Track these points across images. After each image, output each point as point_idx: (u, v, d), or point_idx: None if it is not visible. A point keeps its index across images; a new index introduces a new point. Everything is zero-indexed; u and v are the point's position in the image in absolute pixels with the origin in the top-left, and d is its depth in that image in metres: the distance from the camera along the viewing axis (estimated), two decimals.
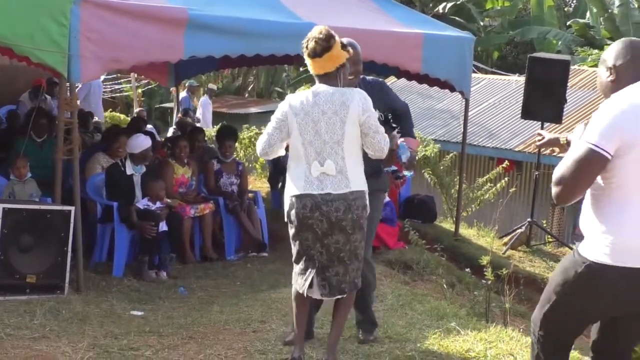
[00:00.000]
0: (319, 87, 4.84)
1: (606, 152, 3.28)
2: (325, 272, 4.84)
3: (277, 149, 4.99)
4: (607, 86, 3.56)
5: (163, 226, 8.26)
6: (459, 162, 11.29)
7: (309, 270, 4.87)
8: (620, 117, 3.28)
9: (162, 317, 6.42)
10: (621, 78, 3.49)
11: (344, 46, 4.82)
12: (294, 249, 4.96)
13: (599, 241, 3.43)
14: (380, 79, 5.98)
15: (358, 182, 4.82)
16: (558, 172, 3.44)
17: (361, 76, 5.49)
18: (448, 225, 11.71)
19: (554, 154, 4.23)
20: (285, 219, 4.95)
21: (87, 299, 6.85)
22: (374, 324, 5.74)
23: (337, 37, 4.78)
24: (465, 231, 11.66)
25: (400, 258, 9.01)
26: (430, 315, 6.46)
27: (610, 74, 3.53)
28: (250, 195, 10.02)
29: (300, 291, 4.94)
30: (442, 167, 12.82)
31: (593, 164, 3.32)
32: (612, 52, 3.56)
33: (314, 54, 4.75)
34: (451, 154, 13.50)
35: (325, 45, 4.71)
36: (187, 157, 9.51)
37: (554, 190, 3.45)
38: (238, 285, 8.00)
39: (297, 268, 4.97)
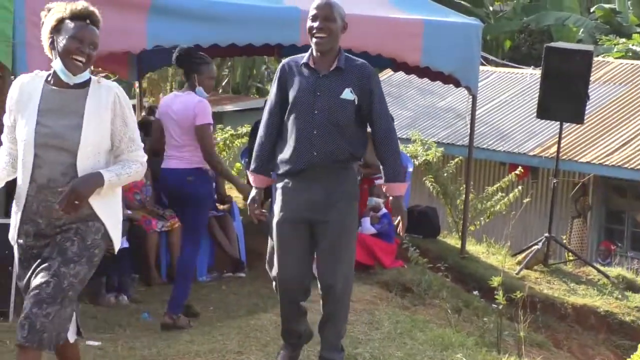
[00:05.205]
0: None
1: None
2: None
3: None
4: None
5: (124, 242, 8.20)
6: (466, 168, 11.30)
7: None
8: None
9: (122, 347, 6.38)
10: None
11: None
12: None
13: None
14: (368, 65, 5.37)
15: None
16: None
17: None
18: (453, 240, 11.73)
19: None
20: None
21: None
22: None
23: None
24: (473, 248, 11.67)
25: (399, 279, 9.00)
26: (433, 345, 6.46)
27: None
28: (225, 206, 9.98)
29: None
30: (445, 174, 12.83)
31: None
32: None
33: None
34: (456, 159, 13.52)
35: None
36: None
37: None
38: (211, 310, 7.98)
39: None
